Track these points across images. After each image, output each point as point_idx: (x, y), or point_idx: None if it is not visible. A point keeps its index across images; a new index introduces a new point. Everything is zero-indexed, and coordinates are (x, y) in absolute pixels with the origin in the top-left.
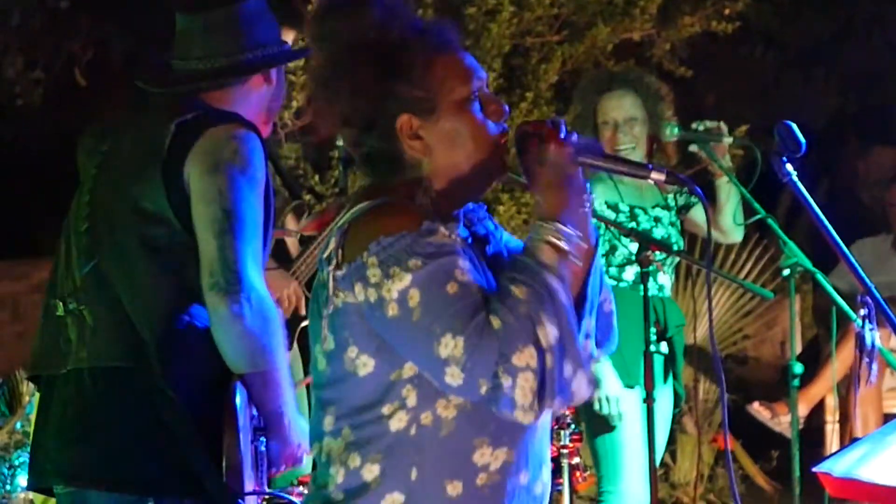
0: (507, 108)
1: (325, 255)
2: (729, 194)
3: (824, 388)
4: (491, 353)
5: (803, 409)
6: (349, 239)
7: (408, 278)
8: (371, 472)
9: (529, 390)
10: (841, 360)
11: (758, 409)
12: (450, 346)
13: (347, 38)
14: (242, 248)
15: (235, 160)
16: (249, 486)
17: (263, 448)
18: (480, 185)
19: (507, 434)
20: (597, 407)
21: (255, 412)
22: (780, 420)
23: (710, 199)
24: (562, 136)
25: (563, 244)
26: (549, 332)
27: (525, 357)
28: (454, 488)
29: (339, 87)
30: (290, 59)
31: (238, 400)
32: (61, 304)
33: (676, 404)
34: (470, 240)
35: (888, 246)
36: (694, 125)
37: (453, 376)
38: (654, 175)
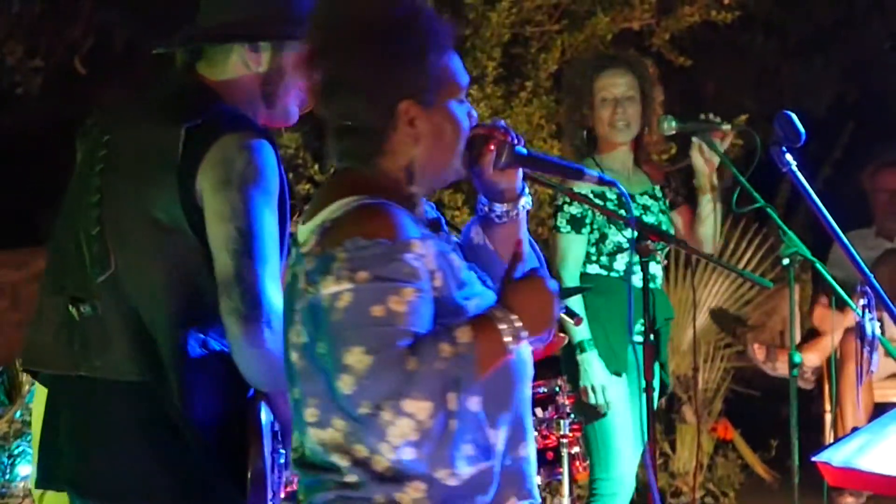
0: (476, 114)
1: (303, 251)
2: (710, 212)
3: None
4: (389, 385)
5: (816, 360)
6: (328, 237)
7: (351, 285)
8: (380, 462)
9: (401, 436)
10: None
11: (755, 350)
12: (356, 358)
13: (361, 19)
14: (260, 269)
15: (248, 173)
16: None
17: (282, 460)
18: (447, 180)
19: (506, 412)
20: (585, 397)
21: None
22: (776, 366)
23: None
24: (513, 140)
25: (510, 344)
26: (460, 400)
27: (418, 407)
28: (467, 470)
29: (346, 66)
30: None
31: (263, 416)
32: (74, 306)
33: (663, 393)
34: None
35: (872, 236)
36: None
37: (345, 385)
38: (587, 178)
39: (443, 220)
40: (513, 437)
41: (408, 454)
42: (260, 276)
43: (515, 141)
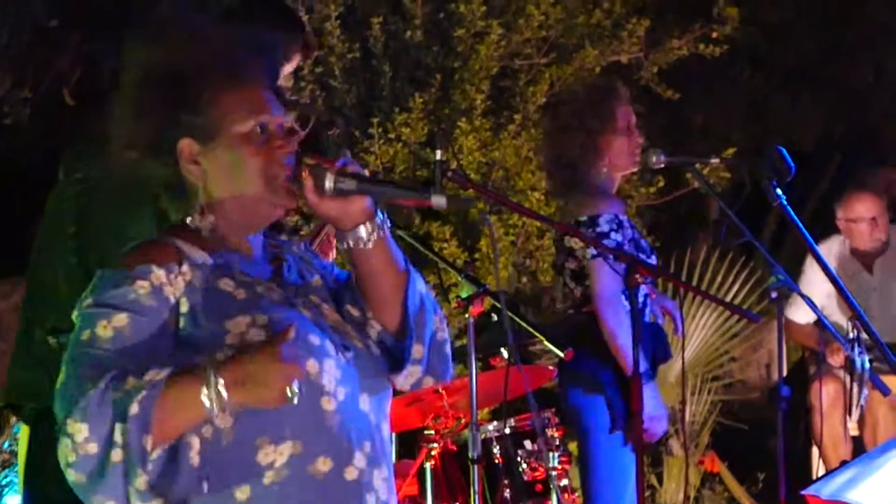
0: (294, 146)
1: None
2: None
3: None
4: (65, 402)
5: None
6: None
7: (78, 312)
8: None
9: (65, 456)
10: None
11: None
12: (60, 376)
13: (141, 65)
14: None
15: None
16: None
17: None
18: (262, 214)
19: (289, 427)
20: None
21: None
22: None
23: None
24: (344, 165)
25: (207, 404)
26: (127, 433)
27: (76, 428)
28: (243, 493)
29: (125, 112)
30: None
31: None
32: (54, 337)
33: None
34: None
35: (846, 251)
36: None
37: (54, 403)
38: (435, 199)
39: (292, 258)
40: (307, 456)
41: (72, 476)
42: None
43: (344, 166)
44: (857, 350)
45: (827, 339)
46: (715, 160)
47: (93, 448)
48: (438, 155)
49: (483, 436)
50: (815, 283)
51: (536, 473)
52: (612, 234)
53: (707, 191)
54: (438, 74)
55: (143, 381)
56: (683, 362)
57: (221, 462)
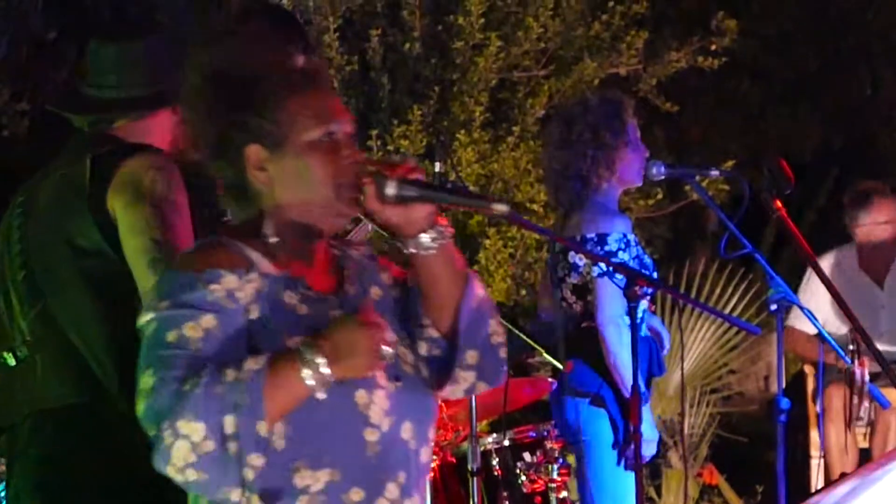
0: (362, 156)
1: None
2: None
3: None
4: (163, 406)
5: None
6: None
7: (154, 314)
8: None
9: (183, 458)
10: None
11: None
12: (145, 380)
13: (209, 68)
14: None
15: (157, 189)
16: None
17: None
18: (327, 222)
19: (328, 454)
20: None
21: None
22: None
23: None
24: (407, 174)
25: (308, 380)
26: (239, 424)
27: (191, 428)
28: None
29: (195, 114)
30: None
31: None
32: (11, 354)
33: None
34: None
35: (856, 267)
36: None
37: (139, 407)
38: (496, 207)
39: (354, 266)
40: (343, 484)
41: (192, 476)
42: None
43: (407, 173)
44: (856, 362)
45: (827, 349)
46: (715, 172)
47: (210, 445)
48: (437, 167)
49: (482, 448)
50: (817, 293)
51: (535, 486)
52: (620, 254)
53: (707, 203)
54: (437, 87)
55: (245, 371)
56: (682, 375)
57: (259, 483)
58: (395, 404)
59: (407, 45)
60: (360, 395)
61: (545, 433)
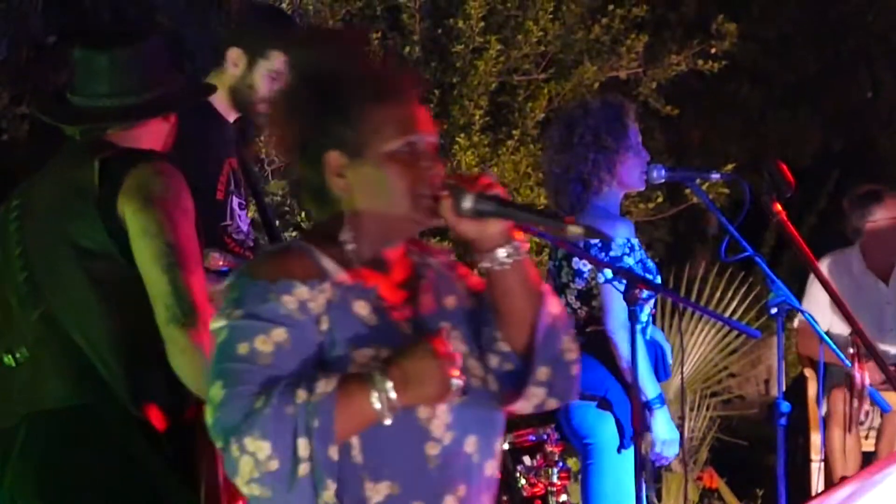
0: (441, 169)
1: None
2: None
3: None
4: (232, 423)
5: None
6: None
7: (226, 322)
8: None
9: (248, 473)
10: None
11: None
12: (215, 391)
13: (301, 69)
14: (191, 278)
15: (167, 194)
16: None
17: None
18: (402, 230)
19: (388, 467)
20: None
21: None
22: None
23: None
24: (485, 188)
25: (375, 406)
26: (315, 448)
27: (257, 446)
28: None
29: (284, 113)
30: (194, 100)
31: None
32: (10, 355)
33: None
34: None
35: (862, 267)
36: None
37: (208, 416)
38: (571, 230)
39: (432, 274)
40: (402, 497)
41: (255, 491)
42: (192, 285)
43: (485, 188)
44: (856, 366)
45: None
46: (715, 175)
47: (275, 465)
48: None
49: None
50: (820, 296)
51: (535, 489)
52: (625, 259)
53: (707, 206)
54: (437, 90)
55: (317, 394)
56: (682, 378)
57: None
58: (457, 418)
59: (407, 49)
60: (423, 409)
61: (545, 437)
